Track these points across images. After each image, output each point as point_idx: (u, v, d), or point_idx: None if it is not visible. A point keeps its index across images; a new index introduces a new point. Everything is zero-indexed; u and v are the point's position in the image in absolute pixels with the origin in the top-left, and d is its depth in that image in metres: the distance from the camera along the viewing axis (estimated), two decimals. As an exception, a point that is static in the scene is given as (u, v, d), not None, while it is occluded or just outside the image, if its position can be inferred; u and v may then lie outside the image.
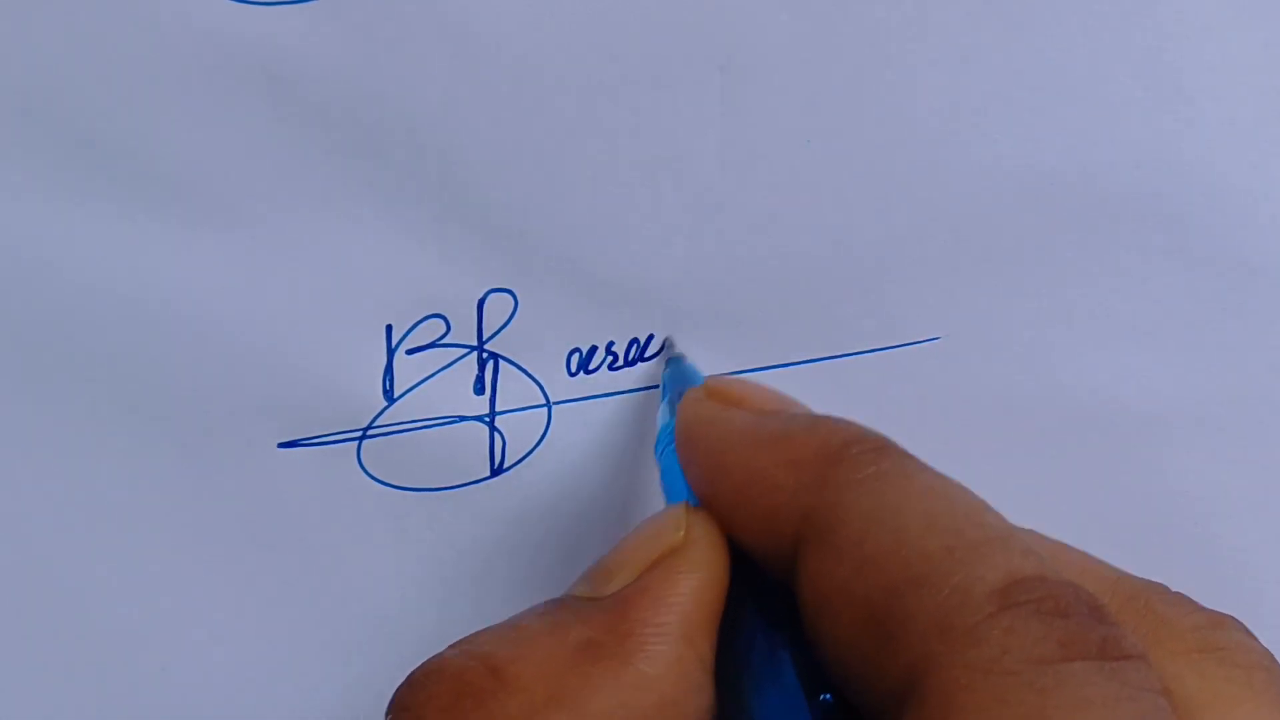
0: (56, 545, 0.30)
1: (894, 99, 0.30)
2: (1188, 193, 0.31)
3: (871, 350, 0.31)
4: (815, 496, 0.22)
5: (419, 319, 0.30)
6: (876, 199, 0.30)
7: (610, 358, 0.31)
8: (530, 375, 0.30)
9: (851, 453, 0.22)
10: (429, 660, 0.22)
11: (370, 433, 0.30)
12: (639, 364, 0.31)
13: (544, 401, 0.31)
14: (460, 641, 0.22)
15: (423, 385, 0.30)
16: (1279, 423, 0.33)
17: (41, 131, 0.27)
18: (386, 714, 0.21)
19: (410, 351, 0.30)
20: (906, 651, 0.19)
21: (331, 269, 0.29)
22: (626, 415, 0.31)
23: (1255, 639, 0.23)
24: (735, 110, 0.29)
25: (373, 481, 0.31)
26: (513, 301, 0.30)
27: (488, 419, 0.31)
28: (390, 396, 0.30)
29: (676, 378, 0.29)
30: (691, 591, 0.22)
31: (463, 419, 0.30)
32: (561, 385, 0.31)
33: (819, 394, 0.31)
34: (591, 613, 0.22)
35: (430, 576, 0.31)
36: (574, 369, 0.31)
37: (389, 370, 0.30)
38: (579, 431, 0.31)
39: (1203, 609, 0.23)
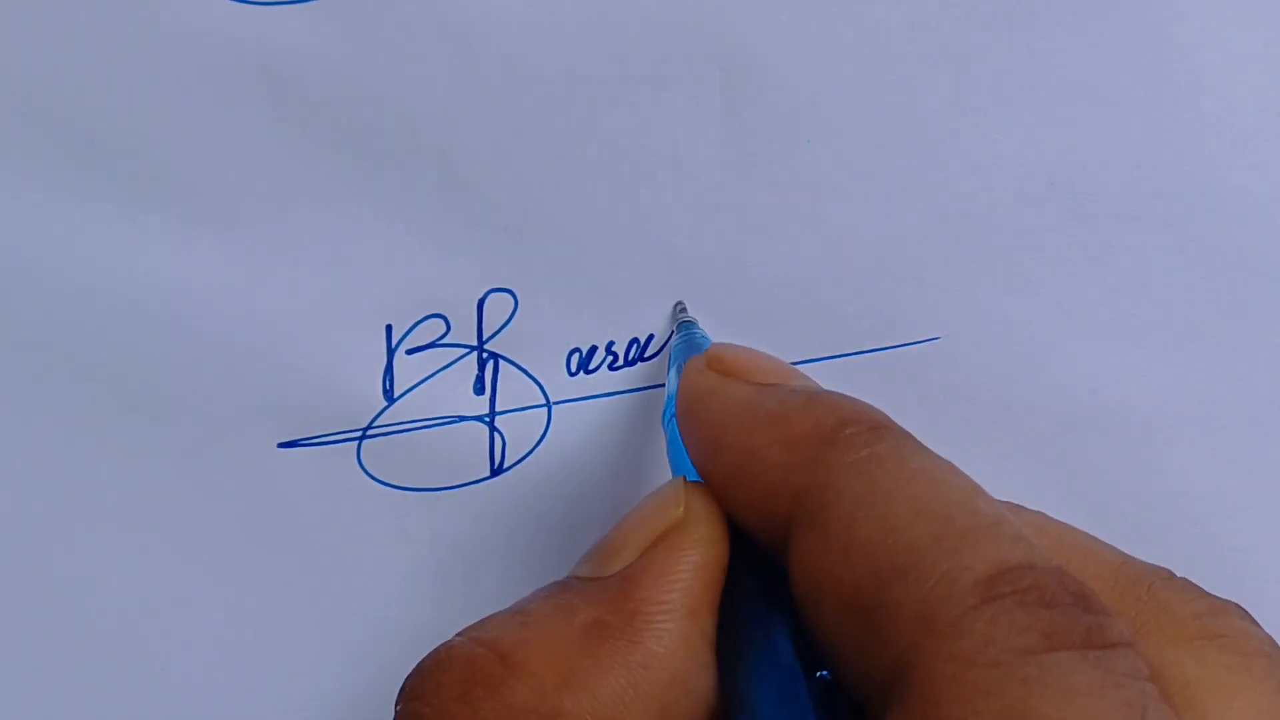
0: (56, 545, 0.30)
1: (894, 99, 0.30)
2: (1188, 193, 0.31)
3: (871, 350, 0.31)
4: (808, 477, 0.21)
5: (419, 319, 0.30)
6: (876, 199, 0.30)
7: (610, 357, 0.31)
8: (530, 375, 0.30)
9: (845, 433, 0.22)
10: (438, 648, 0.22)
11: (370, 433, 0.30)
12: (639, 364, 0.31)
13: (544, 401, 0.31)
14: (468, 629, 0.22)
15: (423, 385, 0.30)
16: (1278, 422, 0.33)
17: (41, 131, 0.27)
18: (397, 703, 0.21)
19: (410, 351, 0.30)
20: (893, 643, 0.19)
21: (331, 269, 0.29)
22: (626, 415, 0.31)
23: (1257, 626, 0.22)
24: (735, 110, 0.29)
25: (373, 481, 0.31)
26: (513, 301, 0.30)
27: (488, 419, 0.31)
28: (390, 396, 0.30)
29: (685, 344, 0.29)
30: (694, 568, 0.22)
31: (463, 419, 0.30)
32: (561, 385, 0.31)
33: (819, 394, 0.31)
34: (596, 593, 0.22)
35: (430, 576, 0.31)
36: (574, 369, 0.31)
37: (389, 370, 0.30)
38: (579, 431, 0.31)
39: (1205, 595, 0.23)
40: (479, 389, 0.30)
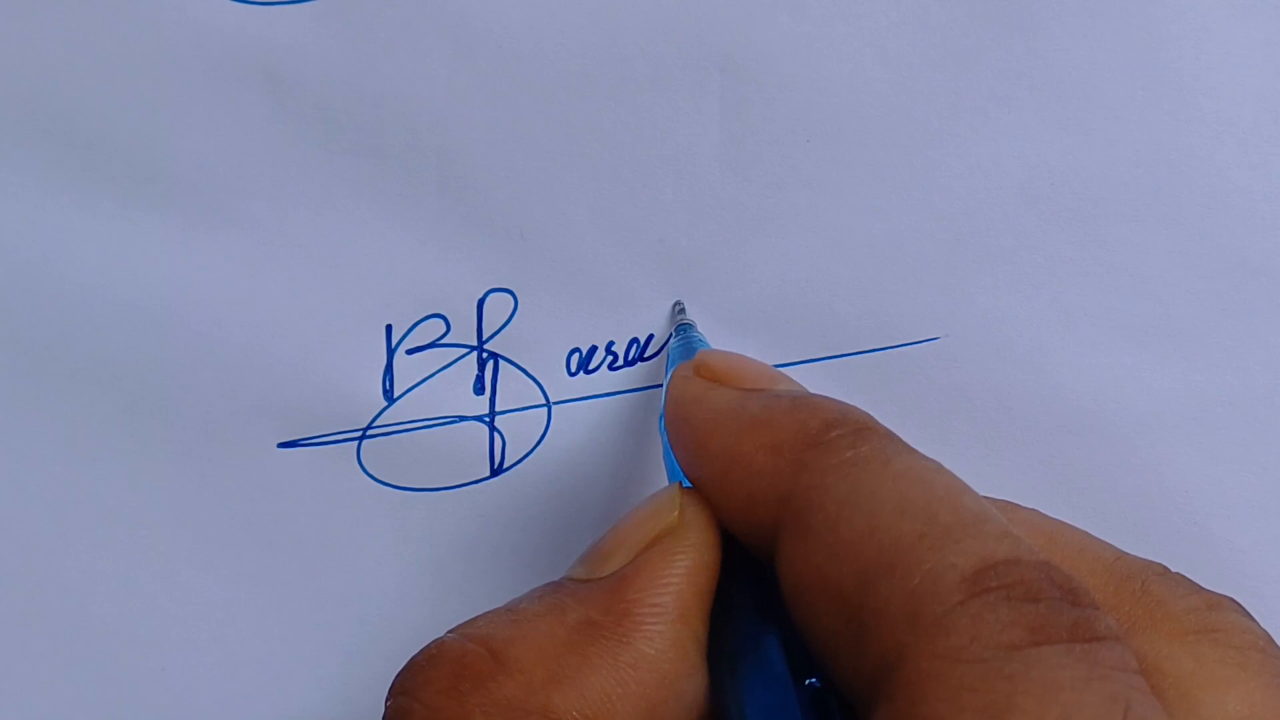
0: (57, 545, 0.30)
1: (894, 99, 0.30)
2: (1188, 193, 0.31)
3: (871, 350, 0.31)
4: (793, 480, 0.21)
5: (419, 319, 0.30)
6: (876, 199, 0.30)
7: (610, 357, 0.31)
8: (530, 375, 0.30)
9: (830, 436, 0.22)
10: (429, 644, 0.22)
11: (370, 433, 0.30)
12: (639, 364, 0.31)
13: (544, 401, 0.31)
14: (460, 625, 0.22)
15: (423, 385, 0.30)
16: (1279, 423, 0.33)
17: (41, 131, 0.27)
18: (387, 698, 0.21)
19: (410, 351, 0.30)
20: (879, 641, 0.19)
21: (331, 269, 0.29)
22: (626, 415, 0.31)
23: (1253, 620, 0.23)
24: (735, 110, 0.29)
25: (373, 481, 0.31)
26: (513, 301, 0.30)
27: (487, 419, 0.31)
28: (390, 396, 0.30)
29: (682, 348, 0.29)
30: (686, 572, 0.22)
31: (462, 419, 0.30)
32: (561, 385, 0.31)
33: (819, 393, 0.31)
34: (589, 594, 0.22)
35: (430, 576, 0.31)
36: (574, 369, 0.31)
37: (389, 370, 0.30)
38: (579, 431, 0.31)
39: (1200, 590, 0.23)
40: (479, 389, 0.30)
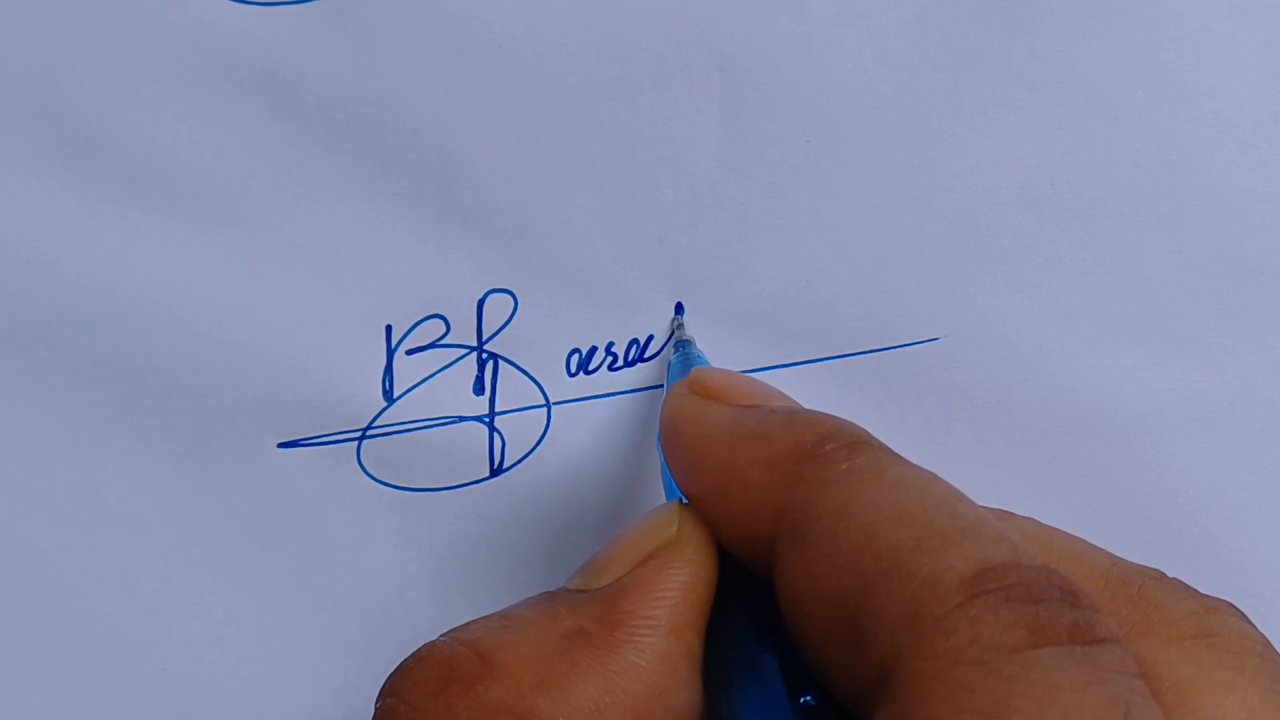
0: (56, 545, 0.30)
1: (894, 99, 0.30)
2: (1188, 193, 0.31)
3: (871, 351, 0.31)
4: (789, 494, 0.22)
5: (419, 319, 0.30)
6: (876, 199, 0.30)
7: (610, 358, 0.31)
8: (530, 376, 0.30)
9: (825, 449, 0.22)
10: (420, 647, 0.22)
11: (370, 433, 0.30)
12: (639, 364, 0.31)
13: (544, 402, 0.31)
14: (452, 630, 0.22)
15: (422, 385, 0.30)
16: (1278, 423, 0.33)
17: (41, 131, 0.27)
18: (377, 700, 0.22)
19: (410, 352, 0.30)
20: (878, 645, 0.19)
21: (331, 269, 0.29)
22: (626, 416, 0.31)
23: (1251, 624, 0.23)
24: (735, 110, 0.29)
25: (372, 481, 0.31)
26: (513, 302, 0.30)
27: (487, 419, 0.31)
28: (390, 397, 0.30)
29: (681, 365, 0.29)
30: (681, 587, 0.22)
31: (462, 419, 0.30)
32: (561, 385, 0.31)
33: (819, 394, 0.31)
34: (582, 604, 0.22)
35: (430, 576, 0.31)
36: (574, 369, 0.31)
37: (389, 370, 0.30)
38: (578, 432, 0.31)
39: (1197, 595, 0.23)
40: (479, 389, 0.30)
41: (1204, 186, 0.31)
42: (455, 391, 0.30)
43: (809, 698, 0.21)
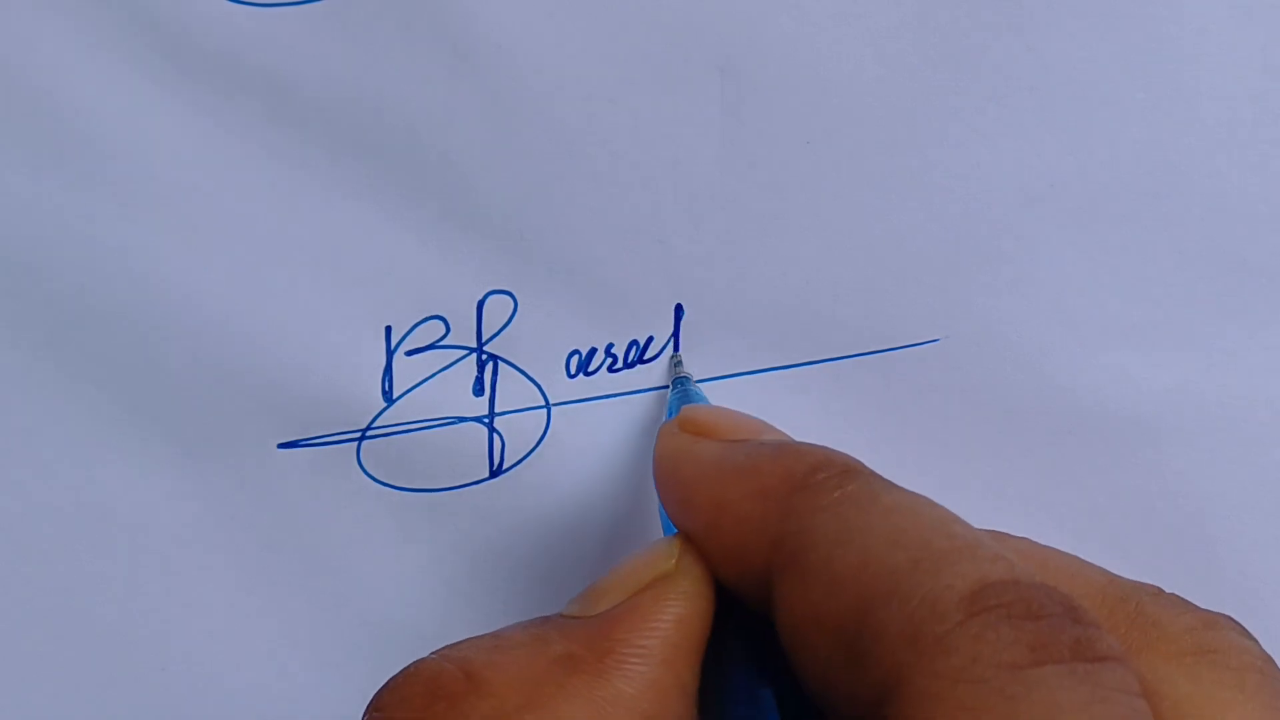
0: (57, 545, 0.30)
1: (894, 100, 0.30)
2: (1188, 193, 0.31)
3: (871, 352, 0.31)
4: (783, 525, 0.22)
5: (419, 320, 0.30)
6: (876, 200, 0.30)
7: (610, 359, 0.31)
8: (529, 377, 0.30)
9: (816, 478, 0.22)
10: (410, 664, 0.22)
11: (370, 433, 0.30)
12: (638, 366, 0.31)
13: (543, 403, 0.31)
14: (443, 647, 0.22)
15: (422, 386, 0.30)
16: (1278, 423, 0.33)
17: (41, 131, 0.27)
18: (364, 715, 0.22)
19: (410, 353, 0.30)
20: (879, 666, 0.19)
21: (331, 269, 0.29)
22: (626, 417, 0.31)
23: (1251, 639, 0.22)
24: (735, 112, 0.29)
25: (372, 482, 0.31)
26: (512, 303, 0.30)
27: (487, 420, 0.31)
28: (389, 397, 0.30)
29: (679, 402, 0.29)
30: (676, 618, 0.22)
31: (462, 420, 0.30)
32: (561, 387, 0.31)
33: (820, 396, 0.31)
34: (575, 629, 0.22)
35: (429, 577, 0.31)
36: (573, 371, 0.31)
37: (388, 371, 0.30)
38: (578, 433, 0.31)
39: (1196, 610, 0.23)
40: (478, 390, 0.30)
41: (1204, 186, 0.31)
42: (455, 392, 0.30)
43: None
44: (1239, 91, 0.31)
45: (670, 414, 0.29)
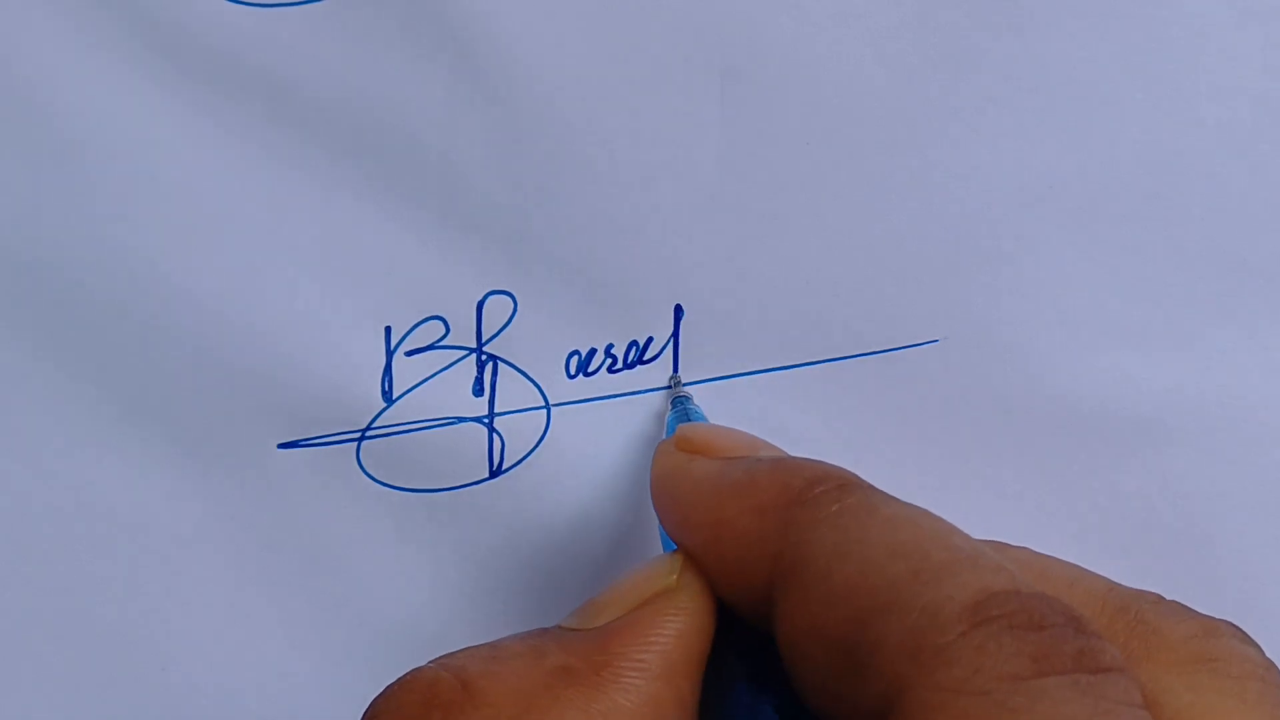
0: (57, 545, 0.30)
1: (893, 101, 0.30)
2: (1188, 193, 0.31)
3: (871, 353, 0.31)
4: (781, 540, 0.22)
5: (418, 320, 0.30)
6: (876, 200, 0.30)
7: (610, 360, 0.31)
8: (529, 377, 0.30)
9: (814, 492, 0.22)
10: (407, 673, 0.22)
11: (369, 433, 0.30)
12: (638, 366, 0.31)
13: (543, 403, 0.31)
14: (440, 656, 0.22)
15: (422, 386, 0.30)
16: (1278, 423, 0.33)
17: (40, 131, 0.27)
18: None
19: (409, 353, 0.30)
20: (880, 678, 0.19)
21: (331, 269, 0.29)
22: (625, 418, 0.31)
23: (1252, 645, 0.22)
24: (735, 113, 0.29)
25: (372, 482, 0.31)
26: (512, 303, 0.30)
27: (486, 420, 0.31)
28: (389, 398, 0.30)
29: (678, 421, 0.29)
30: (676, 633, 0.22)
31: (462, 420, 0.30)
32: (561, 387, 0.31)
33: (819, 396, 0.31)
34: (573, 641, 0.22)
35: (429, 576, 0.31)
36: (573, 371, 0.31)
37: (388, 371, 0.30)
38: (578, 433, 0.31)
39: (1196, 616, 0.23)
40: (478, 391, 0.30)
41: (1204, 186, 0.31)
42: (454, 393, 0.30)
43: None
44: (1239, 91, 0.31)
45: (669, 434, 0.29)
